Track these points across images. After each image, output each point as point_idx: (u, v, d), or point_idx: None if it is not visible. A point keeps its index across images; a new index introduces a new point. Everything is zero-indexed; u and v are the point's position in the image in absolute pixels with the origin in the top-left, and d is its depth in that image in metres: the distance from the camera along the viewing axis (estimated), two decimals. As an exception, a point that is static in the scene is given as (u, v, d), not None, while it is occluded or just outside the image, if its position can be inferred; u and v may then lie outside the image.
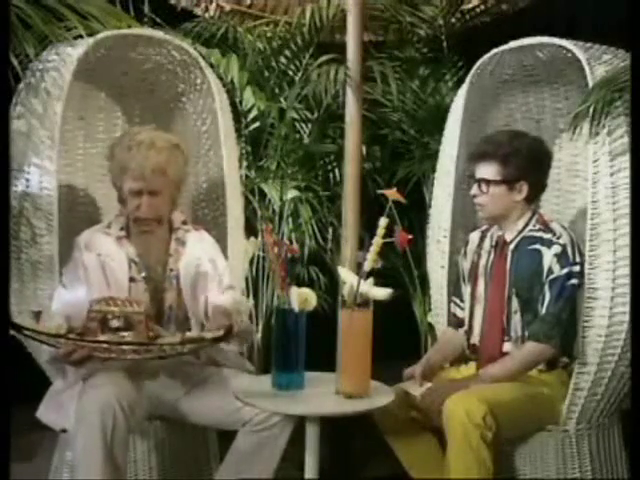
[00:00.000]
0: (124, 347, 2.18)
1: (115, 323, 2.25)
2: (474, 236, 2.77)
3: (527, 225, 2.61)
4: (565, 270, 2.50)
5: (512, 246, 2.62)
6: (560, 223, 2.63)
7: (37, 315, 2.23)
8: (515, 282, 2.58)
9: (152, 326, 2.27)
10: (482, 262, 2.69)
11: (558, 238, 2.54)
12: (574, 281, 2.49)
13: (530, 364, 2.52)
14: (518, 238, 2.61)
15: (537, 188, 2.63)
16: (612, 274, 2.47)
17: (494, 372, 2.49)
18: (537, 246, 2.56)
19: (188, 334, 2.27)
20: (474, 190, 2.62)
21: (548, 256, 2.52)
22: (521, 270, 2.58)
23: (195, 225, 2.72)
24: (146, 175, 2.49)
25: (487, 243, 2.71)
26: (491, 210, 2.62)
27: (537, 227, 2.60)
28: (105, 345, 2.18)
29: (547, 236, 2.56)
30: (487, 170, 2.58)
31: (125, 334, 2.22)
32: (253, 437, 2.36)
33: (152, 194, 2.51)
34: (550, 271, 2.51)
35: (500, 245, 2.65)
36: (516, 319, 2.57)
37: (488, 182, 2.58)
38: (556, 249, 2.52)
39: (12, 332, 2.18)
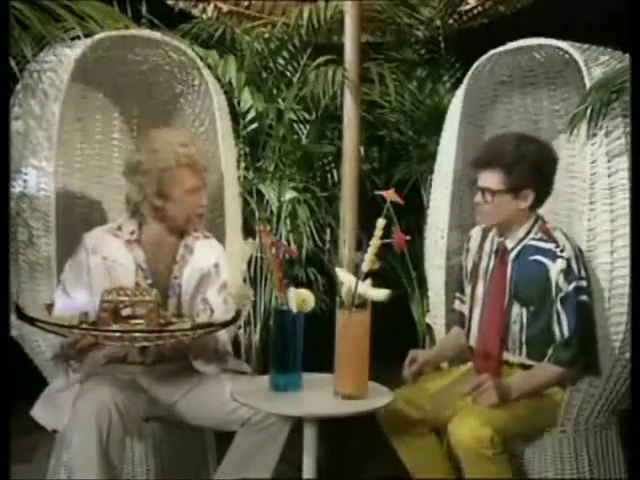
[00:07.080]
0: (136, 335, 2.21)
1: (126, 312, 2.28)
2: (475, 233, 2.72)
3: (529, 233, 2.54)
4: (572, 285, 2.43)
5: (513, 254, 2.55)
6: (563, 232, 2.55)
7: (49, 307, 2.28)
8: (517, 293, 2.52)
9: (162, 313, 2.31)
10: (482, 264, 2.65)
11: (562, 251, 2.46)
12: (583, 297, 2.43)
13: (551, 385, 2.50)
14: (519, 247, 2.55)
15: (542, 194, 2.55)
16: (609, 275, 2.47)
17: (517, 388, 2.42)
18: (540, 257, 2.49)
19: (198, 320, 2.30)
20: (477, 198, 2.54)
21: (554, 272, 2.45)
22: (524, 282, 2.52)
23: (205, 232, 2.67)
24: (199, 168, 2.53)
25: (488, 246, 2.66)
26: (495, 218, 2.55)
27: (539, 236, 2.52)
28: (118, 334, 2.22)
29: (549, 246, 2.48)
30: (491, 179, 2.50)
31: (137, 322, 2.25)
32: (252, 437, 2.37)
33: (204, 186, 2.57)
34: (559, 289, 2.44)
35: (501, 252, 2.59)
36: (515, 329, 2.52)
37: (492, 192, 2.50)
38: (561, 264, 2.44)
39: (24, 323, 2.22)
